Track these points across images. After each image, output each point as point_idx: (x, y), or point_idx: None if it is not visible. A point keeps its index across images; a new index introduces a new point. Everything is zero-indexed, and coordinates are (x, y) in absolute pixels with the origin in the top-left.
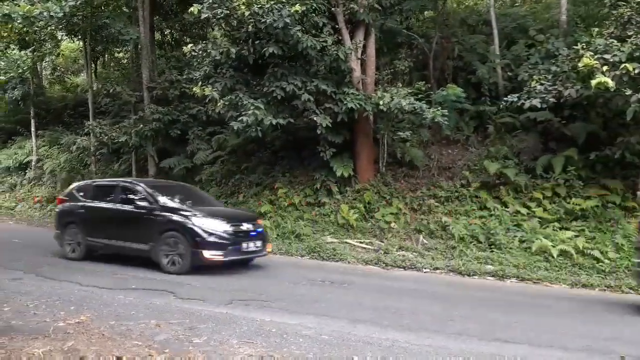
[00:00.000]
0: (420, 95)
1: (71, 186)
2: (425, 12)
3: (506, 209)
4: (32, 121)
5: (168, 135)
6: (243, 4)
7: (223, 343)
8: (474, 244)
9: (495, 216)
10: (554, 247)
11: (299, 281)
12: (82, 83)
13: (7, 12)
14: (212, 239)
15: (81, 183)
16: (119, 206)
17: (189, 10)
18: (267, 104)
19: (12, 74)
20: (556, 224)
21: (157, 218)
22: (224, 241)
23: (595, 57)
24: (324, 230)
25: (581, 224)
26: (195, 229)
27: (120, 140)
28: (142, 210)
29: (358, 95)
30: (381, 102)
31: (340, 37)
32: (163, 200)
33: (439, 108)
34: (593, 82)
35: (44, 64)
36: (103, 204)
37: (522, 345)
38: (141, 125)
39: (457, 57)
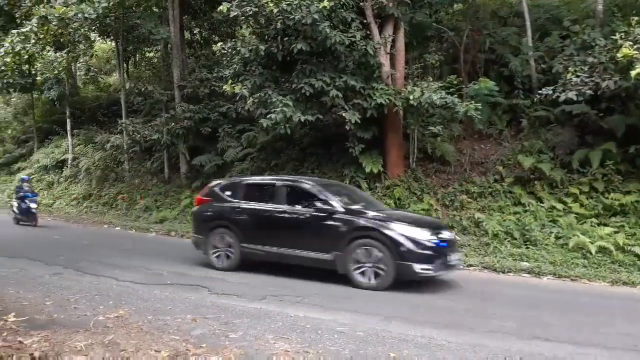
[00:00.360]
0: (451, 89)
1: (212, 184)
2: (455, 5)
3: (541, 205)
4: (68, 120)
5: (199, 133)
6: (271, 1)
7: (259, 338)
8: (508, 241)
9: (530, 212)
10: (592, 243)
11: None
12: (115, 83)
13: (44, 14)
14: (419, 249)
15: (225, 180)
16: (286, 208)
17: (218, 9)
18: (295, 100)
19: (48, 75)
20: (594, 219)
21: (341, 223)
22: (432, 252)
23: (635, 47)
24: None
25: (620, 219)
26: (398, 237)
27: (152, 139)
28: (321, 214)
29: (387, 90)
30: (411, 97)
31: (368, 32)
32: (339, 201)
33: (472, 102)
34: (632, 73)
35: (78, 64)
36: (264, 206)
37: (563, 344)
38: (172, 124)
39: (488, 50)
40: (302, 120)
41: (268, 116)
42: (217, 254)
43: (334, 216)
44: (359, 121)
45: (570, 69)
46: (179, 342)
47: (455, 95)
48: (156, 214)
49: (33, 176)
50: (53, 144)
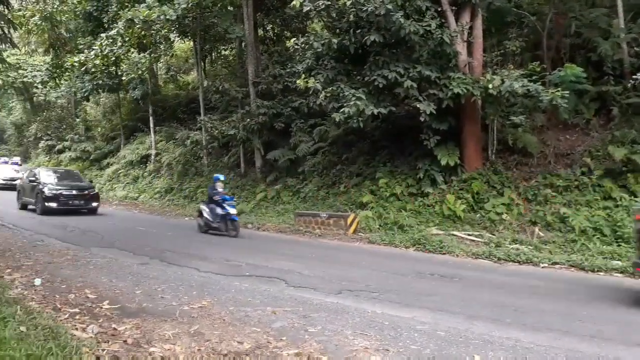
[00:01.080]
0: (534, 77)
1: None
2: None
3: (635, 199)
4: (151, 118)
5: (273, 128)
6: None
7: (337, 333)
8: (597, 238)
9: (622, 207)
10: None
11: (407, 273)
12: (193, 81)
13: (130, 17)
14: None
15: None
16: None
17: (291, 4)
18: (368, 93)
19: (132, 76)
20: None
21: None
22: None
23: None
24: (429, 222)
25: None
26: None
27: (229, 134)
28: None
29: (465, 79)
30: (490, 86)
31: (444, 20)
32: None
33: (558, 89)
34: None
35: (159, 64)
36: None
37: None
38: (248, 120)
39: (574, 34)
40: (375, 113)
41: (340, 110)
42: None
43: None
44: (434, 112)
45: None
46: (260, 334)
47: (539, 83)
48: None
49: (120, 171)
50: (137, 141)
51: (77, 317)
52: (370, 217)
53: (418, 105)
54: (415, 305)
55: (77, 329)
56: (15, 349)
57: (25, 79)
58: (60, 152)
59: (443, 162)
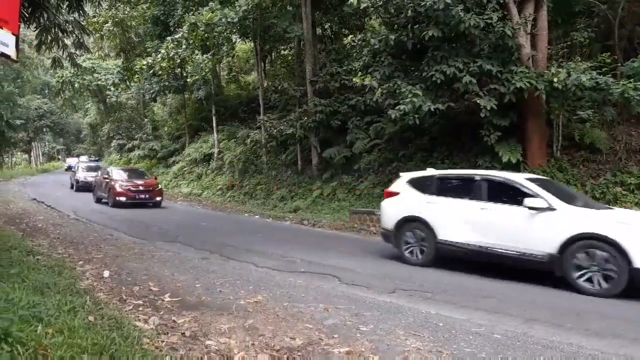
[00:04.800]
0: (603, 69)
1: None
2: None
3: None
4: (214, 118)
5: (329, 126)
6: None
7: (389, 333)
8: None
9: None
10: None
11: (464, 273)
12: (254, 81)
13: (193, 21)
14: None
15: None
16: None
17: (349, 2)
18: (425, 89)
19: (196, 77)
20: None
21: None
22: None
23: None
24: None
25: None
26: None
27: (287, 133)
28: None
29: (528, 73)
30: (556, 79)
31: (506, 13)
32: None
33: (631, 81)
34: None
35: (221, 65)
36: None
37: None
38: (305, 118)
39: None
40: (432, 109)
41: (397, 107)
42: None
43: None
44: (495, 107)
45: None
46: (312, 331)
47: (609, 76)
48: (290, 203)
49: (185, 168)
50: (201, 140)
51: (141, 308)
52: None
53: (478, 101)
54: (471, 306)
55: (139, 320)
56: (82, 338)
57: (99, 82)
58: (130, 150)
59: (504, 159)
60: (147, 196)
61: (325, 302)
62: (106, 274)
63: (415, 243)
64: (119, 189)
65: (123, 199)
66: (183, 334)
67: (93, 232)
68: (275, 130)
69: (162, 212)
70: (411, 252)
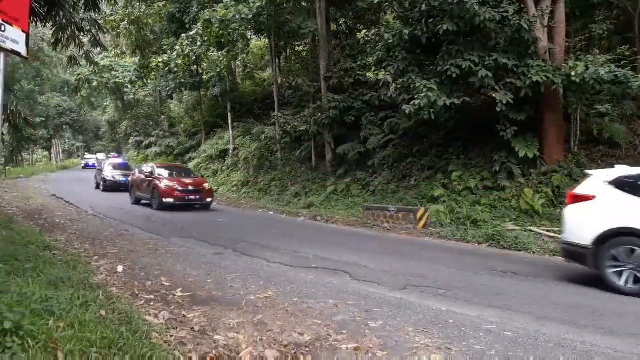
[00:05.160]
0: (623, 62)
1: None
2: None
3: None
4: (229, 114)
5: (343, 122)
6: None
7: (399, 330)
8: None
9: None
10: None
11: (478, 270)
12: (269, 77)
13: (207, 17)
14: None
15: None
16: None
17: None
18: (440, 84)
19: (212, 74)
20: None
21: None
22: None
23: None
24: (504, 217)
25: None
26: None
27: (300, 129)
28: None
29: (545, 66)
30: (573, 73)
31: (522, 5)
32: None
33: None
34: None
35: (237, 62)
36: None
37: None
38: (319, 114)
39: None
40: (447, 104)
41: (411, 102)
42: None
43: None
44: (511, 102)
45: None
46: (321, 327)
47: (628, 68)
48: (304, 199)
49: (201, 165)
50: (217, 136)
51: (152, 303)
52: (442, 212)
53: (494, 95)
54: (483, 303)
55: (150, 314)
56: (92, 332)
57: (117, 80)
58: (147, 147)
59: (521, 154)
60: (197, 197)
61: (336, 298)
62: (120, 268)
63: (630, 265)
64: (165, 189)
65: (171, 200)
66: (192, 328)
67: (109, 228)
68: (289, 127)
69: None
70: (619, 276)
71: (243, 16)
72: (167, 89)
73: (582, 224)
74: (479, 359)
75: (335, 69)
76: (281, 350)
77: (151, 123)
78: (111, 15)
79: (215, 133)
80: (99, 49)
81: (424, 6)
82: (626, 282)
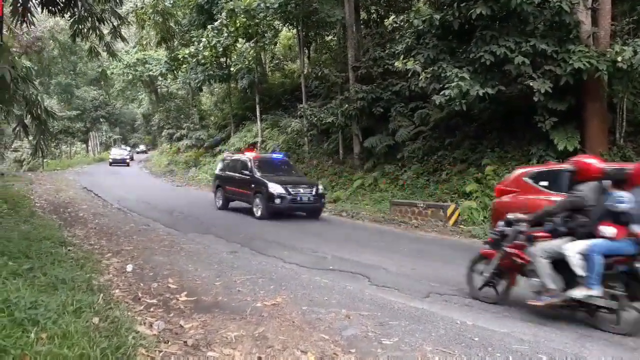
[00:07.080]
0: None
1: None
2: None
3: None
4: (257, 107)
5: (371, 114)
6: None
7: (415, 349)
8: None
9: None
10: None
11: None
12: (298, 69)
13: (231, 7)
14: None
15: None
16: None
17: None
18: (473, 72)
19: (240, 66)
20: None
21: None
22: None
23: None
24: None
25: None
26: None
27: (327, 122)
28: None
29: (588, 52)
30: (620, 59)
31: None
32: None
33: None
34: None
35: (266, 53)
36: None
37: None
38: (346, 105)
39: None
40: (481, 94)
41: (442, 92)
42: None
43: None
44: (550, 91)
45: None
46: (328, 343)
47: None
48: (330, 193)
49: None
50: (246, 129)
51: (152, 309)
52: (474, 208)
53: (531, 84)
54: (515, 316)
55: (144, 324)
56: (72, 347)
57: (150, 73)
58: (179, 139)
59: (560, 147)
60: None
61: (349, 307)
62: (129, 268)
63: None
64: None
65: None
66: (185, 342)
67: (130, 222)
68: (315, 119)
69: (202, 199)
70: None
71: (268, 5)
72: (196, 81)
73: None
74: None
75: (364, 59)
76: None
77: (182, 116)
78: (142, 8)
79: (244, 125)
80: (122, 43)
81: None
82: None
